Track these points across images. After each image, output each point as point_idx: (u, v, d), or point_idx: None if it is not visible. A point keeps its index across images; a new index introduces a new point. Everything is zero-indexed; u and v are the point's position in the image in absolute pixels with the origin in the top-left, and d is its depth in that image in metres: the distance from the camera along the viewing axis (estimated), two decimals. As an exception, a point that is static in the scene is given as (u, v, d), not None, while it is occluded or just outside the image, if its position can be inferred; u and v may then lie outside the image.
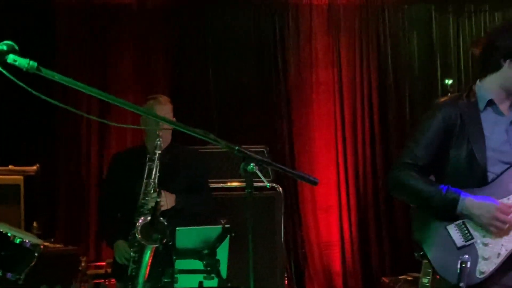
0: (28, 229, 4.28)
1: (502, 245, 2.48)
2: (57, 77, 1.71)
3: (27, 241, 3.17)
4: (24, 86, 1.76)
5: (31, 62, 1.71)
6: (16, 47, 1.74)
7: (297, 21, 5.69)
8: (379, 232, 5.62)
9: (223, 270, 2.86)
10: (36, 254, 3.22)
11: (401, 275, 4.56)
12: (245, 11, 5.65)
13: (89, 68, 5.45)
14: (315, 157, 5.64)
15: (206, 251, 2.84)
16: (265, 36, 5.67)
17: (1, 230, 3.16)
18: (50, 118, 5.27)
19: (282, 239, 4.44)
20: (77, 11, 5.45)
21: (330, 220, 5.61)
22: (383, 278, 4.76)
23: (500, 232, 2.49)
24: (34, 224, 4.43)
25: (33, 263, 3.22)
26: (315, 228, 5.59)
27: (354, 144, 5.68)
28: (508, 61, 2.56)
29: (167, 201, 3.56)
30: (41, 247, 3.29)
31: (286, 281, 4.56)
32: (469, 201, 2.49)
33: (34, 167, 4.51)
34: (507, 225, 2.46)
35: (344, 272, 5.57)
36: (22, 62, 1.70)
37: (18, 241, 3.13)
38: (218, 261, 2.82)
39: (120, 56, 5.52)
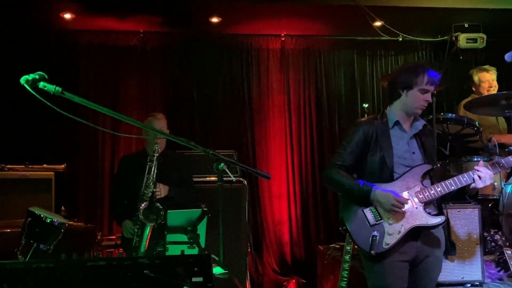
0: (57, 212, 4.19)
1: (402, 225, 2.52)
2: (76, 99, 1.67)
3: (55, 220, 3.09)
4: (53, 107, 1.71)
5: (57, 88, 1.67)
6: (46, 76, 1.69)
7: (258, 60, 5.69)
8: (316, 213, 5.66)
9: (202, 241, 2.81)
10: (62, 230, 3.14)
11: (331, 244, 4.57)
12: (221, 52, 5.61)
13: (104, 93, 5.35)
14: (271, 159, 5.63)
15: (189, 228, 2.78)
16: (235, 71, 5.65)
17: (36, 212, 3.08)
18: (75, 131, 5.17)
19: (247, 219, 4.42)
20: (95, 50, 5.35)
21: (281, 205, 5.61)
22: (319, 246, 4.77)
23: (398, 216, 2.52)
24: (62, 208, 4.35)
25: (60, 237, 3.14)
26: (270, 210, 5.58)
27: (299, 150, 5.69)
28: (405, 91, 2.61)
29: (162, 191, 3.53)
30: (66, 225, 3.21)
31: (249, 249, 4.53)
32: (378, 191, 2.52)
33: (63, 166, 4.43)
34: (401, 211, 2.50)
35: (291, 242, 5.58)
36: (50, 87, 1.66)
37: (48, 220, 3.06)
38: (198, 235, 2.78)
39: (128, 84, 5.42)
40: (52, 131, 5.09)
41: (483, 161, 2.67)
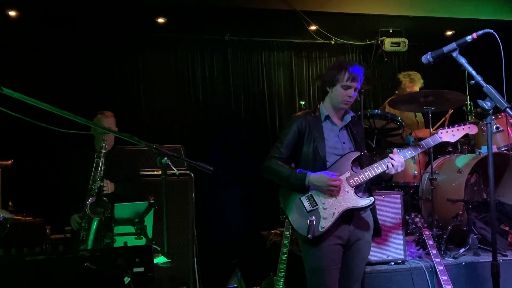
0: (5, 207, 3.95)
1: (335, 209, 2.57)
2: (15, 95, 1.55)
3: (0, 215, 2.91)
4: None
5: (-5, 84, 1.54)
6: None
7: (203, 59, 5.58)
8: (259, 202, 5.65)
9: (149, 232, 2.75)
10: (8, 225, 2.96)
11: (273, 230, 4.61)
12: (168, 51, 5.47)
13: (54, 90, 4.99)
14: (217, 151, 5.54)
15: (137, 220, 2.71)
16: (182, 69, 5.51)
17: (-21, 209, 2.88)
18: (22, 126, 4.83)
19: (194, 209, 4.35)
20: (42, 49, 5.02)
21: (228, 194, 5.55)
22: (262, 232, 4.81)
23: (334, 198, 2.55)
24: (10, 203, 4.11)
25: (6, 231, 2.97)
26: (218, 200, 5.50)
27: (243, 142, 5.63)
28: (331, 88, 2.66)
29: (109, 187, 3.43)
30: (13, 219, 3.04)
31: (195, 238, 4.47)
32: (312, 176, 2.57)
33: (9, 162, 4.18)
34: (337, 187, 2.53)
35: (237, 229, 5.54)
36: (-14, 84, 1.53)
37: (-8, 216, 2.87)
38: (145, 226, 2.71)
39: (76, 82, 5.13)
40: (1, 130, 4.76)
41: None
